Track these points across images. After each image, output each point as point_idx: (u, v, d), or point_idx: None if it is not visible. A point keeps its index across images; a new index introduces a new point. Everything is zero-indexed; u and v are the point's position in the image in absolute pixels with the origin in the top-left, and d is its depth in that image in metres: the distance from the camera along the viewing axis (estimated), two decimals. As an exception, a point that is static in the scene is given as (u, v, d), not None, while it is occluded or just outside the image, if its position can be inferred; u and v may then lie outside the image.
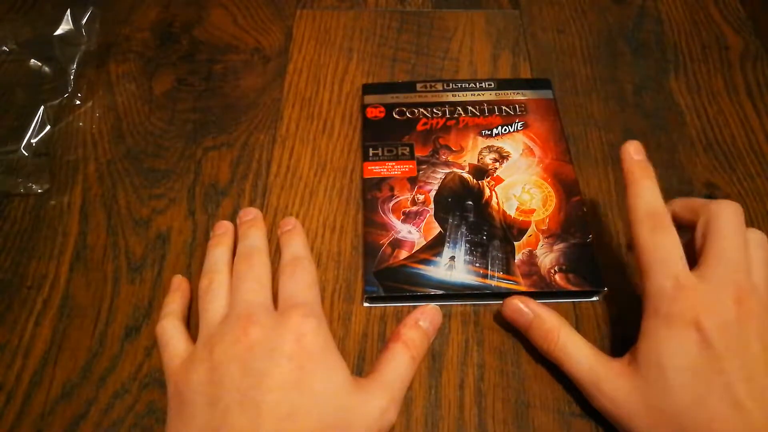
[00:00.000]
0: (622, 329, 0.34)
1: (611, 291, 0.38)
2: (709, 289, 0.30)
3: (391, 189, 0.42)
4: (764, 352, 0.29)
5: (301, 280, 0.34)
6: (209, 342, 0.31)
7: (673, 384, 0.30)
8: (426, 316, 0.35)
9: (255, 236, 0.37)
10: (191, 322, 0.37)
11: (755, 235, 0.33)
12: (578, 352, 0.33)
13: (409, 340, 0.33)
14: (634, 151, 0.35)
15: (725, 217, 0.32)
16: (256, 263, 0.35)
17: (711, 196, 0.43)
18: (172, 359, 0.32)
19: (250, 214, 0.39)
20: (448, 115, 0.46)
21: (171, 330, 0.34)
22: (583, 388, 0.33)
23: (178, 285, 0.38)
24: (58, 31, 0.48)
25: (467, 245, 0.39)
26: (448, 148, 0.44)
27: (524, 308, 0.35)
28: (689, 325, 0.30)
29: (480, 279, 0.38)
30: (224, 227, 0.39)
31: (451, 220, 0.40)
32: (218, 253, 0.37)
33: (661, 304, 0.31)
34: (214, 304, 0.33)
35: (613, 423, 0.32)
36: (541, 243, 0.39)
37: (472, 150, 0.44)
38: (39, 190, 0.43)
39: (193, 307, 0.37)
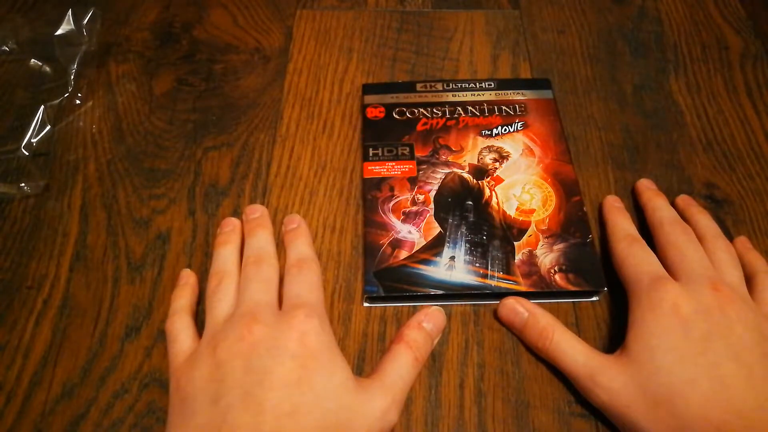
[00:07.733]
0: (622, 329, 0.34)
1: (611, 291, 0.38)
2: (684, 283, 0.33)
3: (391, 189, 0.42)
4: (747, 333, 0.31)
5: (306, 281, 0.34)
6: (213, 339, 0.31)
7: (663, 365, 0.31)
8: (429, 318, 0.35)
9: (263, 237, 0.37)
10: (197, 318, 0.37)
11: (720, 242, 0.37)
12: (572, 348, 0.34)
13: (412, 342, 0.34)
14: (612, 200, 0.42)
15: (675, 235, 0.37)
16: (265, 265, 0.35)
17: (711, 196, 0.43)
18: (177, 355, 0.32)
19: (257, 212, 0.39)
20: (448, 115, 0.46)
21: (179, 326, 0.34)
22: (580, 384, 0.33)
23: (187, 279, 0.38)
24: (59, 31, 0.48)
25: (467, 245, 0.39)
26: (448, 148, 0.44)
27: (520, 308, 0.36)
28: (670, 311, 0.32)
29: (480, 279, 0.38)
30: (231, 224, 0.39)
31: (451, 220, 0.40)
32: (226, 252, 0.36)
33: (641, 295, 0.33)
34: (222, 304, 0.33)
35: (612, 418, 0.32)
36: (541, 243, 0.39)
37: (472, 150, 0.44)
38: (39, 190, 0.43)
39: (199, 303, 0.37)
